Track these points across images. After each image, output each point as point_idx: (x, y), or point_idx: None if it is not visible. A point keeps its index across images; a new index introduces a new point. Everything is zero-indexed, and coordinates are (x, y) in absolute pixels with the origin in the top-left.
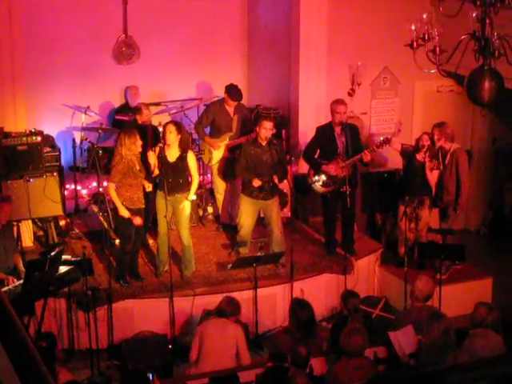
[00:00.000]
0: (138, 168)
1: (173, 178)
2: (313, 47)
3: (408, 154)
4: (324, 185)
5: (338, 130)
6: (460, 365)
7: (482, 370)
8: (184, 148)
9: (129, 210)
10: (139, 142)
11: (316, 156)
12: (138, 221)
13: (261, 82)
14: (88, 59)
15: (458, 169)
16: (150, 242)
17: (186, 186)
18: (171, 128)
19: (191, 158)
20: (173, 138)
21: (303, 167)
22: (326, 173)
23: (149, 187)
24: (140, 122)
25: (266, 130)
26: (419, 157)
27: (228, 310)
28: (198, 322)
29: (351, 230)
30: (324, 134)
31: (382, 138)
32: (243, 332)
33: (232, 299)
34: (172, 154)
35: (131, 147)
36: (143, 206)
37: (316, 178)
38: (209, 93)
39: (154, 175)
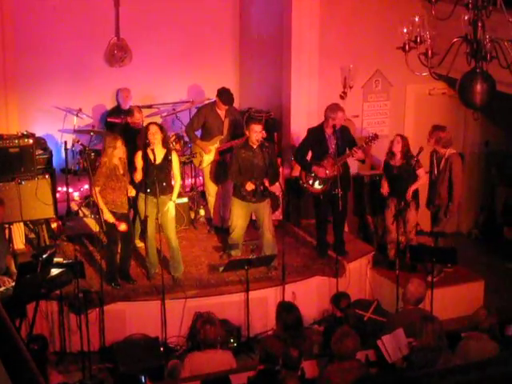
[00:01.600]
0: (121, 172)
1: (158, 180)
2: (304, 50)
3: (385, 163)
4: (316, 185)
5: (328, 131)
6: (451, 368)
7: (472, 372)
8: (168, 148)
9: (113, 213)
10: (121, 148)
11: (308, 158)
12: (122, 227)
13: (252, 84)
14: (80, 62)
15: (452, 174)
16: (140, 245)
17: (170, 187)
18: (155, 129)
19: (175, 158)
20: (158, 138)
21: (295, 170)
22: (317, 173)
23: (131, 191)
24: (132, 124)
25: (256, 132)
26: (393, 162)
27: (210, 339)
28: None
29: (342, 231)
30: (315, 135)
31: (370, 135)
32: (234, 358)
33: (208, 321)
34: (158, 155)
35: (110, 151)
36: (126, 211)
37: (307, 179)
38: (200, 95)
39: (136, 180)
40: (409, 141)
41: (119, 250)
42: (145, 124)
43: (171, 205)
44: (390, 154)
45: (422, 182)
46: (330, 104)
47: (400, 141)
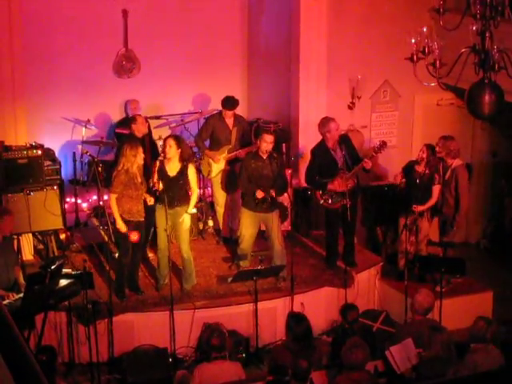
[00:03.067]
0: (139, 180)
1: (172, 191)
2: (313, 61)
3: (408, 166)
4: (335, 202)
5: (330, 144)
6: (459, 378)
7: (480, 383)
8: (185, 161)
9: (127, 222)
10: (141, 155)
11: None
12: (134, 237)
13: (261, 95)
14: (88, 73)
15: (458, 185)
16: (150, 255)
17: (186, 199)
18: (171, 142)
19: (191, 171)
20: (173, 152)
21: (304, 180)
22: (333, 190)
23: (150, 201)
24: (136, 132)
25: (267, 143)
26: (418, 169)
27: (216, 344)
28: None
29: (352, 242)
30: (320, 153)
31: (378, 143)
32: (243, 369)
33: (215, 330)
34: (172, 168)
35: (131, 159)
36: (142, 220)
37: (324, 197)
38: (209, 106)
39: (155, 189)
40: (436, 152)
41: (131, 259)
42: (154, 135)
43: (186, 216)
44: (415, 161)
45: (434, 201)
46: (320, 120)
47: (426, 150)
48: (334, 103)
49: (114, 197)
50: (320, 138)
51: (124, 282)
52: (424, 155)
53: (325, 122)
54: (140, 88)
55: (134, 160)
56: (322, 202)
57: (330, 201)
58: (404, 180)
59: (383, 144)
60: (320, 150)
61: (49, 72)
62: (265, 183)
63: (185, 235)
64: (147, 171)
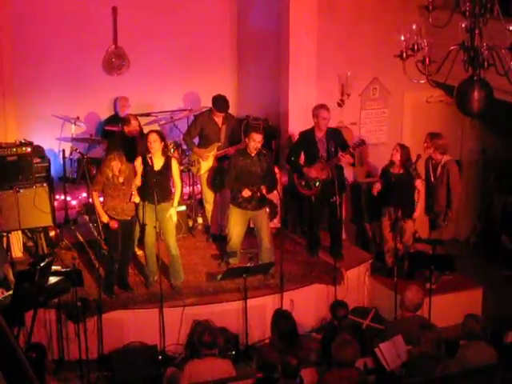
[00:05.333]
0: (120, 181)
1: (158, 187)
2: (302, 57)
3: (384, 170)
4: (307, 187)
5: (319, 134)
6: (449, 375)
7: (470, 379)
8: (167, 155)
9: (113, 219)
10: (124, 164)
11: (302, 161)
12: (113, 224)
13: (250, 92)
14: (78, 70)
15: (450, 181)
16: (139, 252)
17: (171, 194)
18: (155, 137)
19: (175, 165)
20: (157, 146)
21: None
22: (307, 174)
23: (134, 197)
24: (128, 132)
25: (255, 141)
26: (393, 170)
27: (208, 341)
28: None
29: (339, 236)
30: (306, 138)
31: (358, 140)
32: (233, 366)
33: (207, 327)
34: (157, 163)
35: (114, 164)
36: (129, 218)
37: (299, 181)
38: (198, 103)
39: (135, 186)
40: (409, 150)
41: (121, 256)
42: (144, 132)
43: (173, 211)
44: (390, 162)
45: (423, 196)
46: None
47: (399, 150)
48: (324, 100)
49: (95, 193)
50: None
51: (113, 279)
52: (398, 154)
53: (317, 107)
54: (129, 85)
55: (116, 166)
56: (296, 185)
57: (302, 184)
58: (379, 185)
59: (362, 142)
60: (307, 135)
61: (38, 69)
62: (254, 180)
63: (172, 230)
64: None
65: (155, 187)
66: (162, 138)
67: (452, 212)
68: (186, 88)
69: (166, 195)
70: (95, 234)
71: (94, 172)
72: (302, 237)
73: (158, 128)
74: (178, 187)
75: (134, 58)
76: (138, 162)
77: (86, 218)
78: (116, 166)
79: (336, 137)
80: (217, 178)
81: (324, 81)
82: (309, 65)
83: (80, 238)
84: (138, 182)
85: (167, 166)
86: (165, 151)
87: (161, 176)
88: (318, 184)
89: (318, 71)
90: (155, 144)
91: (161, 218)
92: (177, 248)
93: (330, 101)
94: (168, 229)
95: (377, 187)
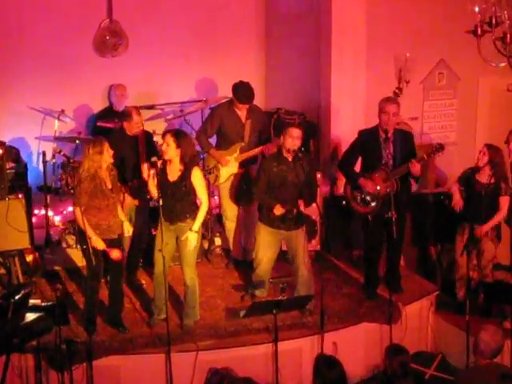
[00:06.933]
0: (108, 186)
1: (173, 201)
2: (348, 36)
3: (467, 175)
4: (362, 203)
5: (384, 135)
6: None
7: None
8: (187, 164)
9: (114, 249)
10: (108, 152)
11: (359, 168)
12: (115, 254)
13: (282, 79)
14: (62, 51)
15: None
16: (143, 281)
17: (191, 212)
18: (168, 139)
19: (197, 176)
20: (171, 152)
21: (340, 184)
22: (364, 188)
23: (135, 202)
24: (129, 131)
25: (293, 139)
26: (480, 178)
27: None
28: None
29: (397, 264)
30: (366, 139)
31: (435, 145)
32: None
33: (226, 377)
34: (173, 172)
35: (96, 158)
36: (115, 237)
37: (353, 194)
38: (215, 93)
39: (150, 197)
40: (502, 152)
41: (110, 286)
42: (146, 129)
43: (192, 235)
44: (475, 168)
45: (501, 216)
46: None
47: (488, 152)
48: (376, 89)
49: (78, 210)
50: (363, 127)
51: (94, 312)
52: (485, 159)
53: (384, 100)
54: (128, 70)
55: (101, 159)
56: (349, 201)
57: (358, 199)
58: (460, 199)
59: (440, 147)
60: (369, 135)
61: (12, 48)
62: (289, 193)
63: (189, 258)
64: (134, 174)
65: (167, 201)
66: (180, 141)
67: None
68: (200, 73)
69: (184, 213)
70: (83, 259)
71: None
72: (348, 262)
73: (165, 125)
74: (203, 205)
75: (134, 36)
76: (145, 168)
77: (73, 238)
78: (108, 152)
79: (405, 140)
80: (241, 189)
81: (376, 65)
82: (356, 45)
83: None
84: (154, 191)
85: (185, 177)
86: (184, 159)
87: (176, 188)
88: (376, 201)
89: (368, 53)
90: (168, 149)
91: (177, 240)
92: (195, 279)
93: (385, 90)
94: (185, 256)
95: (458, 200)
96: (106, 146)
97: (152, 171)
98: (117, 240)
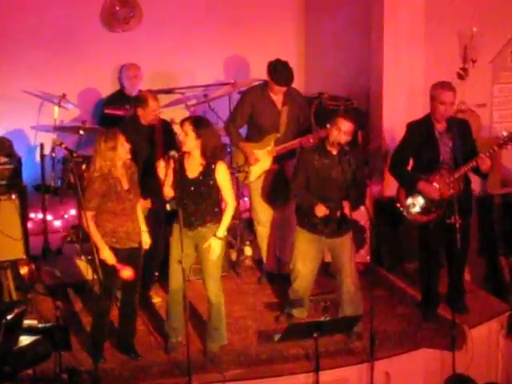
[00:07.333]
0: (125, 187)
1: (194, 202)
2: (403, 7)
3: None
4: (422, 211)
5: (440, 127)
6: None
7: None
8: (209, 158)
9: (114, 251)
10: (124, 148)
11: (409, 167)
12: (126, 273)
13: (324, 59)
14: (65, 26)
15: None
16: (156, 300)
17: (214, 215)
18: (187, 128)
19: (222, 171)
20: (190, 143)
21: (391, 187)
22: (425, 193)
23: (148, 204)
24: (143, 119)
25: (341, 132)
26: None
27: None
28: None
29: (461, 278)
30: (419, 134)
31: (505, 134)
32: None
33: None
34: (192, 167)
35: (108, 155)
36: (136, 246)
37: (410, 200)
38: (246, 75)
39: (167, 196)
40: None
41: (121, 305)
42: (163, 117)
43: (215, 242)
44: None
45: None
46: (433, 84)
47: None
48: (436, 70)
49: (89, 215)
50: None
51: (102, 337)
52: None
53: (441, 87)
54: (141, 47)
55: (114, 156)
56: (403, 209)
57: (415, 208)
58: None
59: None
60: (421, 128)
61: (5, 21)
62: (333, 192)
63: (212, 270)
64: (147, 171)
65: (186, 203)
66: (200, 130)
67: None
68: (228, 51)
69: (206, 216)
70: (89, 271)
71: (86, 178)
72: (403, 277)
73: (186, 112)
74: (229, 206)
75: (148, 6)
76: (161, 165)
77: (77, 247)
78: (123, 147)
79: (463, 131)
80: (276, 188)
81: (436, 42)
82: (414, 18)
83: (66, 277)
84: (167, 190)
85: (207, 174)
86: (206, 151)
87: (196, 187)
88: (440, 208)
89: (427, 27)
90: (187, 139)
91: (197, 249)
92: (220, 295)
93: (447, 71)
94: (207, 267)
95: None
96: (121, 139)
97: (169, 167)
98: (137, 250)
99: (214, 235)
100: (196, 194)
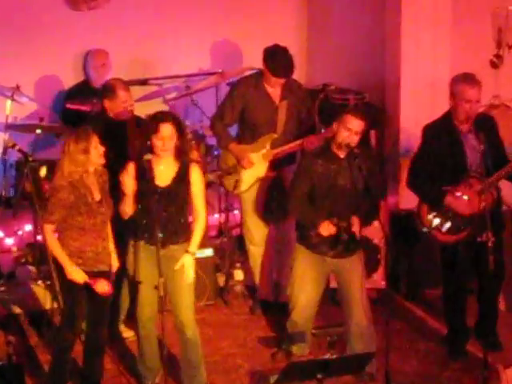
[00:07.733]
0: (96, 198)
1: (164, 215)
2: None
3: None
4: (451, 230)
5: (464, 128)
6: None
7: None
8: (183, 160)
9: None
10: (97, 151)
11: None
12: (102, 286)
13: (330, 45)
14: (18, 3)
15: None
16: (127, 334)
17: (186, 230)
18: (168, 130)
19: (196, 175)
20: (170, 145)
21: (408, 198)
22: (453, 208)
23: (127, 205)
24: (112, 113)
25: (350, 132)
26: None
27: None
28: None
29: (495, 308)
30: (440, 138)
31: None
32: None
33: None
34: (164, 174)
35: (80, 159)
36: (106, 269)
37: (433, 217)
38: (237, 63)
39: (123, 212)
40: None
41: (87, 339)
42: (138, 113)
43: (188, 260)
44: None
45: None
46: (453, 77)
47: None
48: (464, 57)
49: (49, 229)
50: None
51: (64, 377)
52: None
53: (458, 81)
54: (111, 29)
55: (86, 160)
56: (426, 227)
57: (443, 226)
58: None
59: None
60: (441, 129)
61: None
62: (341, 203)
63: (186, 295)
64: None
65: (161, 217)
66: (182, 128)
67: None
68: (216, 35)
69: (178, 231)
70: (47, 298)
71: (47, 186)
72: (424, 306)
73: (164, 107)
74: (200, 217)
75: None
76: (131, 169)
77: (32, 269)
78: (97, 149)
79: (489, 130)
80: (271, 199)
81: (465, 23)
82: None
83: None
84: (128, 206)
85: (182, 179)
86: (179, 153)
87: (169, 197)
88: (470, 225)
89: (454, 6)
90: (167, 142)
91: (167, 271)
92: (195, 326)
93: (477, 58)
94: (180, 291)
95: None
96: (95, 141)
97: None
98: (107, 273)
99: (187, 251)
100: (169, 204)
